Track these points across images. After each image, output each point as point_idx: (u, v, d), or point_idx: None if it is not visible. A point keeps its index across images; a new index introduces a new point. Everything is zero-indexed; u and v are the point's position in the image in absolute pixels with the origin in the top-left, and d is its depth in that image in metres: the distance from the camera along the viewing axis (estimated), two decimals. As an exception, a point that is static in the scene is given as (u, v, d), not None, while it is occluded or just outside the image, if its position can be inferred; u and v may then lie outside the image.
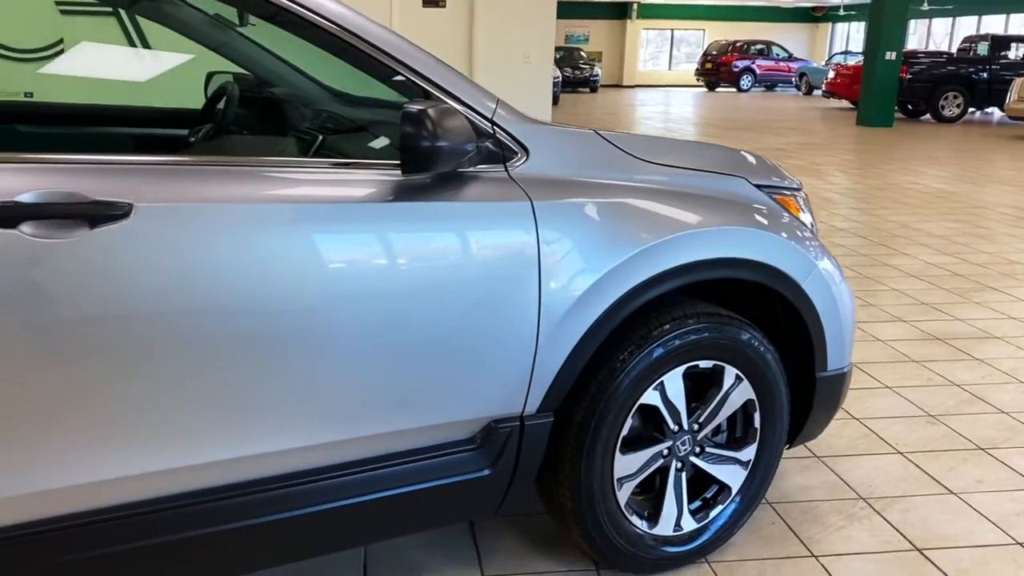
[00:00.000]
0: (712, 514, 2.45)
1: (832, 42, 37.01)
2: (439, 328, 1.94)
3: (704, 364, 2.31)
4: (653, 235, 2.14)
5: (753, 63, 31.56)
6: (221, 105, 3.05)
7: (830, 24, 37.15)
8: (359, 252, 1.86)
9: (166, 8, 2.97)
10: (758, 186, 2.47)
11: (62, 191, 1.58)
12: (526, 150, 2.08)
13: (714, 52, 32.05)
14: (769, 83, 31.89)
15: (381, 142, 2.47)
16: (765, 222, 2.37)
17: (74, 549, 1.69)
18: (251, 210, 1.76)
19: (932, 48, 28.61)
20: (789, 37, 35.31)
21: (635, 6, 35.18)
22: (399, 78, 1.98)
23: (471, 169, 2.00)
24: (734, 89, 31.15)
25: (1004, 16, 27.29)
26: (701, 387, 2.36)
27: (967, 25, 28.88)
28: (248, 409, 1.78)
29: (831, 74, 22.61)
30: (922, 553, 2.52)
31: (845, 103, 22.57)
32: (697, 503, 2.44)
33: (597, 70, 29.64)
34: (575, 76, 28.19)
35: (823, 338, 2.47)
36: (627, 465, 2.27)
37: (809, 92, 29.17)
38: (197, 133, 2.96)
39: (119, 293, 1.63)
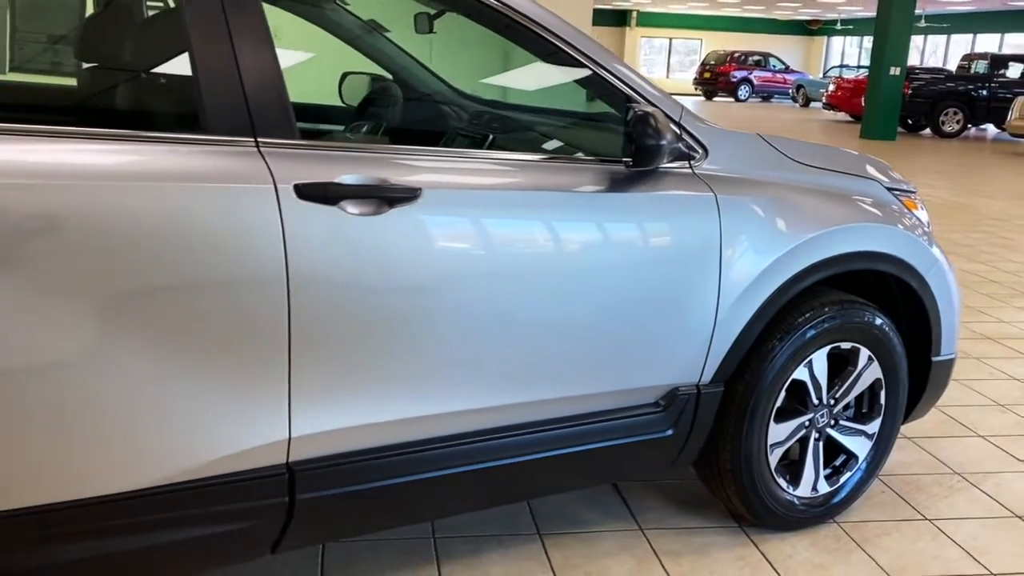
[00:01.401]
0: (842, 480, 2.75)
1: (827, 56, 37.59)
2: (643, 300, 2.24)
3: (844, 345, 2.61)
4: (813, 228, 2.44)
5: (751, 74, 31.99)
6: (373, 103, 3.32)
7: (825, 38, 37.73)
8: (591, 233, 2.15)
9: (326, 11, 3.23)
10: (887, 188, 2.78)
11: (375, 175, 1.87)
12: (705, 150, 2.38)
13: (712, 62, 32.48)
14: (766, 94, 32.36)
15: (554, 143, 2.77)
16: (898, 220, 2.67)
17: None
18: (516, 196, 2.05)
19: (925, 65, 29.16)
20: (784, 49, 35.83)
21: (634, 14, 35.62)
22: (604, 84, 2.27)
23: (664, 166, 2.29)
24: (731, 99, 31.59)
25: (999, 35, 27.90)
26: (837, 367, 2.66)
27: (959, 43, 29.47)
28: (505, 365, 2.08)
29: (831, 87, 23.06)
30: (1022, 519, 2.83)
31: (843, 116, 23.03)
32: (828, 470, 2.74)
33: (599, 76, 29.94)
34: (577, 82, 28.46)
35: (939, 325, 2.78)
36: (778, 433, 2.57)
37: (806, 104, 29.65)
38: (359, 129, 3.23)
39: (412, 264, 1.91)
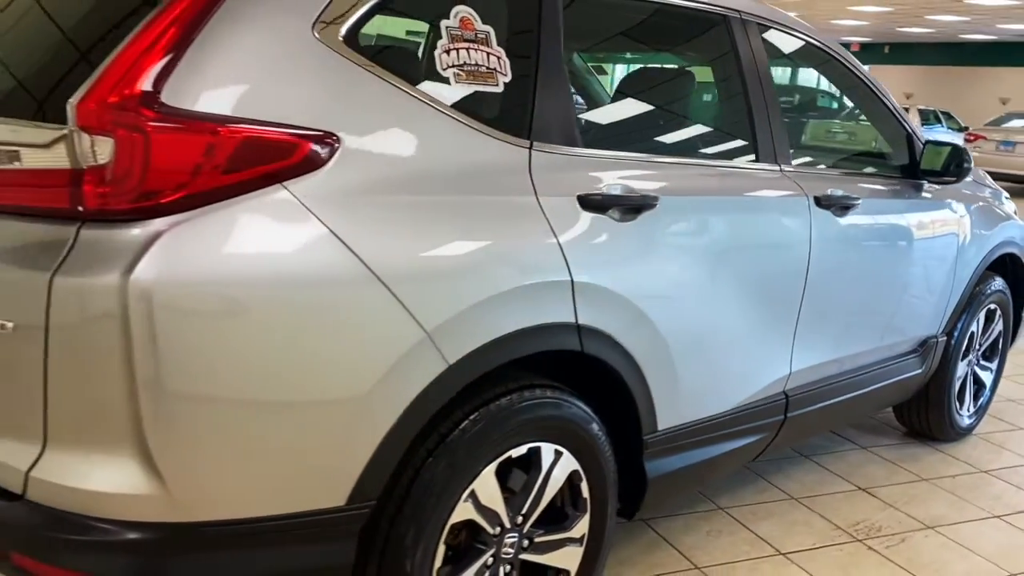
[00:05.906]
0: (979, 403, 3.86)
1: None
2: (928, 275, 3.23)
3: (991, 307, 3.72)
4: (996, 223, 3.55)
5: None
6: None
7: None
8: (911, 229, 3.12)
9: None
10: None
11: (839, 189, 2.70)
12: None
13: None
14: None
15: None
16: (1016, 215, 3.81)
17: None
18: (896, 204, 3.01)
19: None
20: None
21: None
22: (899, 126, 3.21)
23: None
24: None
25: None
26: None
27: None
28: (865, 322, 3.01)
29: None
30: (1078, 424, 4.09)
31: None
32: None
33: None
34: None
35: (1032, 288, 3.97)
36: (960, 370, 3.64)
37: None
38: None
39: (854, 253, 2.79)
